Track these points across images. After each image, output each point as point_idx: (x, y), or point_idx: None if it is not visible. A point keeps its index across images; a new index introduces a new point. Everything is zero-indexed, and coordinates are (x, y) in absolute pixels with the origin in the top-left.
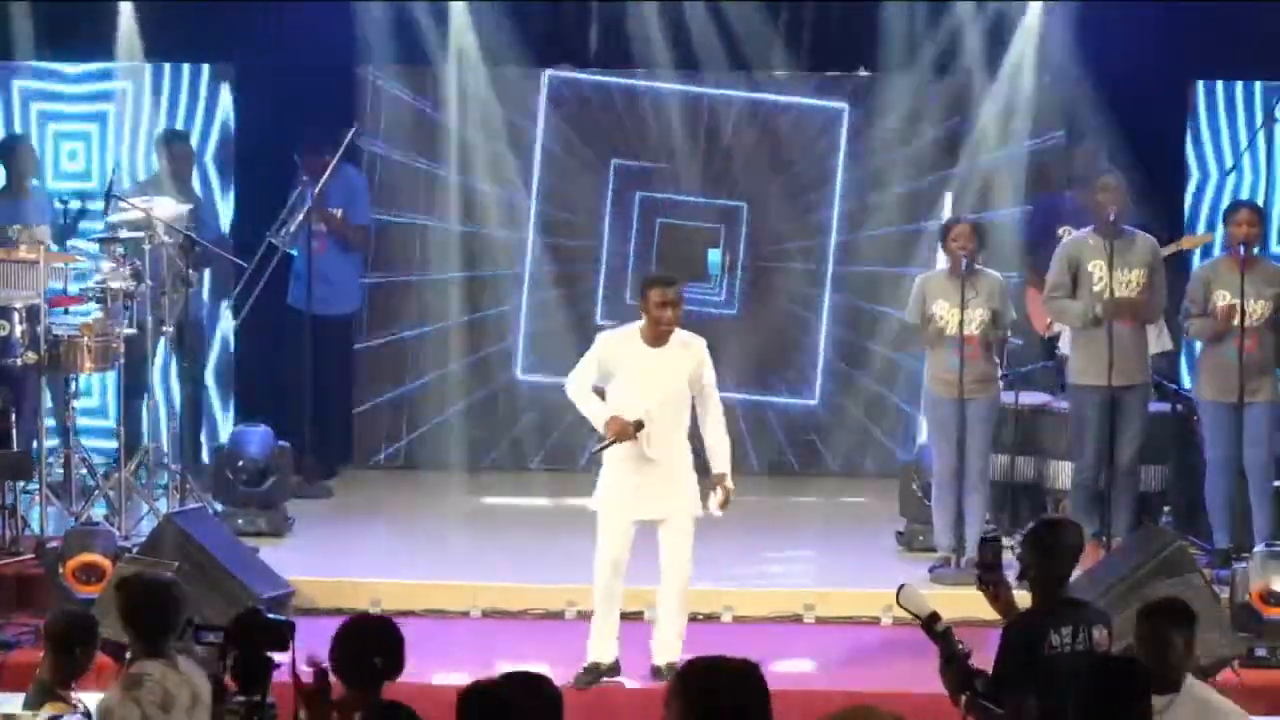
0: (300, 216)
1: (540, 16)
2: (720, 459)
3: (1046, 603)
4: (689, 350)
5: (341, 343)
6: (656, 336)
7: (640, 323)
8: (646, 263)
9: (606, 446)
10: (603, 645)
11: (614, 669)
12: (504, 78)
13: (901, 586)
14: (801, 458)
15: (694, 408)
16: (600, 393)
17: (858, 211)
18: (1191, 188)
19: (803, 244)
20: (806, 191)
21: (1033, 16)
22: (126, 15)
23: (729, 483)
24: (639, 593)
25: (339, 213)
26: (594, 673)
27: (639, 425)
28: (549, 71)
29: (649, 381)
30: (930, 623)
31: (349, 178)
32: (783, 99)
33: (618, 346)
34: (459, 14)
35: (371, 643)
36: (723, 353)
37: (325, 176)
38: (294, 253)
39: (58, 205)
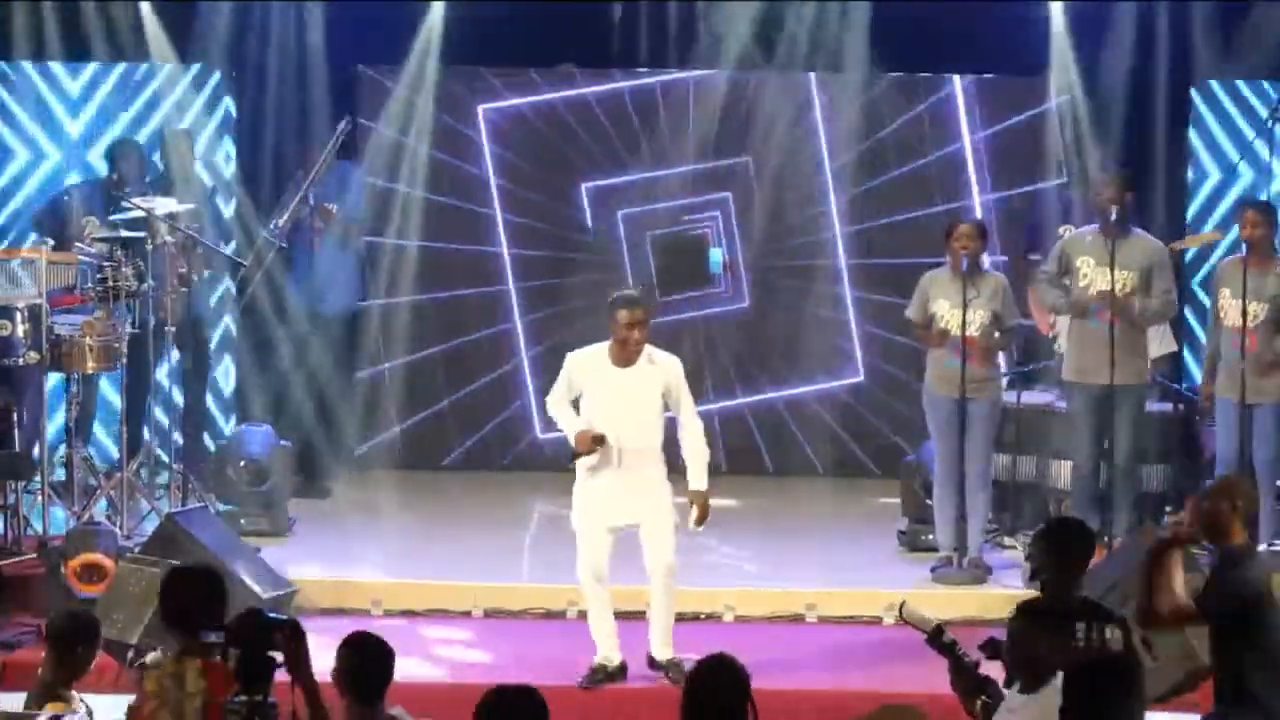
0: (289, 211)
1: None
2: (696, 474)
3: (1059, 602)
4: (659, 368)
5: (342, 341)
6: (624, 357)
7: (609, 342)
8: (646, 279)
9: (576, 457)
10: (606, 647)
11: (620, 671)
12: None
13: (903, 604)
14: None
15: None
16: (577, 404)
17: (856, 198)
18: (1203, 190)
19: (805, 227)
20: (795, 175)
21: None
22: (148, 16)
23: (705, 500)
24: (639, 592)
25: (334, 208)
26: (600, 674)
27: (600, 440)
28: (481, 107)
29: (616, 401)
30: (935, 636)
31: (345, 172)
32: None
33: (585, 365)
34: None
35: (371, 658)
36: (745, 348)
37: (316, 170)
38: (283, 245)
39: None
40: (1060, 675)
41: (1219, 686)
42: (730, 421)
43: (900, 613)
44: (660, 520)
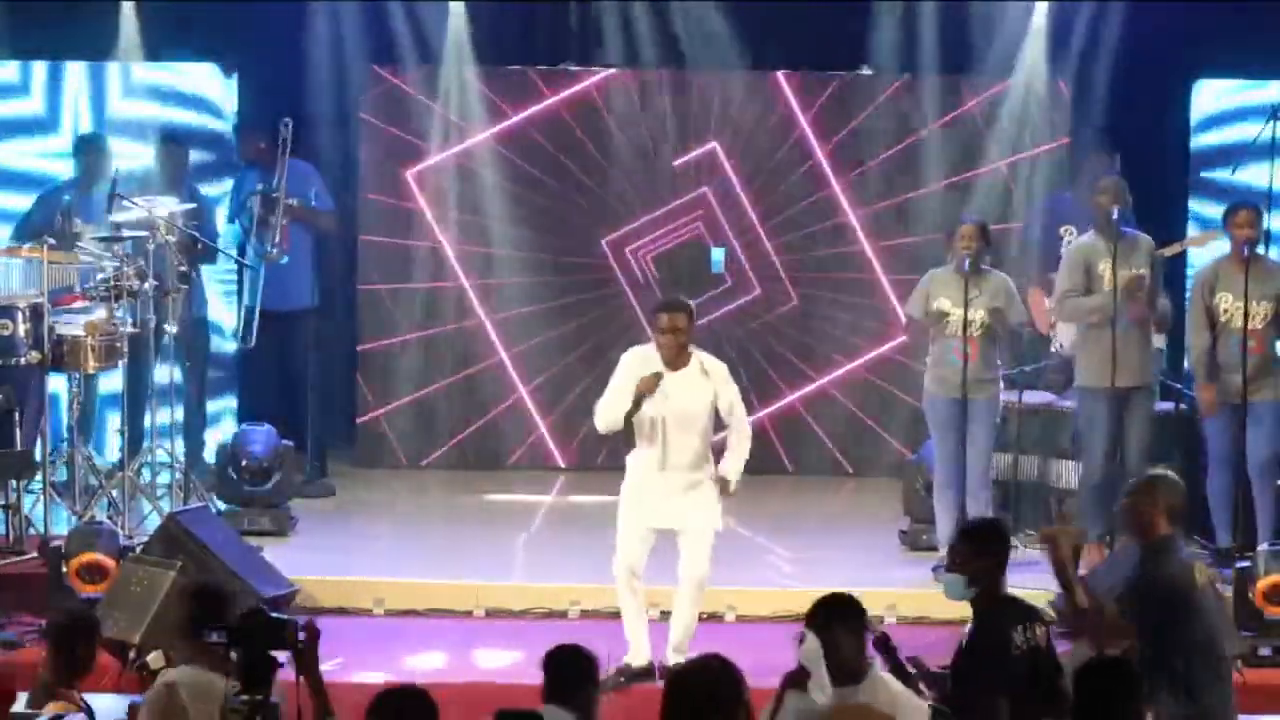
0: (279, 226)
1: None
2: (730, 467)
3: (993, 603)
4: (707, 377)
5: (305, 338)
6: (667, 359)
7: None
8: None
9: (638, 404)
10: (634, 647)
11: (646, 672)
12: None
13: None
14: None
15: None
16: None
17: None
18: (1199, 188)
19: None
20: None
21: (1040, 16)
22: (129, 15)
23: (730, 488)
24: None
25: (295, 202)
26: (625, 674)
27: (658, 375)
28: (409, 174)
29: (664, 400)
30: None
31: (299, 168)
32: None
33: (641, 362)
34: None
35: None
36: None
37: (281, 178)
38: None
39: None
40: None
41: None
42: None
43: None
44: (701, 530)
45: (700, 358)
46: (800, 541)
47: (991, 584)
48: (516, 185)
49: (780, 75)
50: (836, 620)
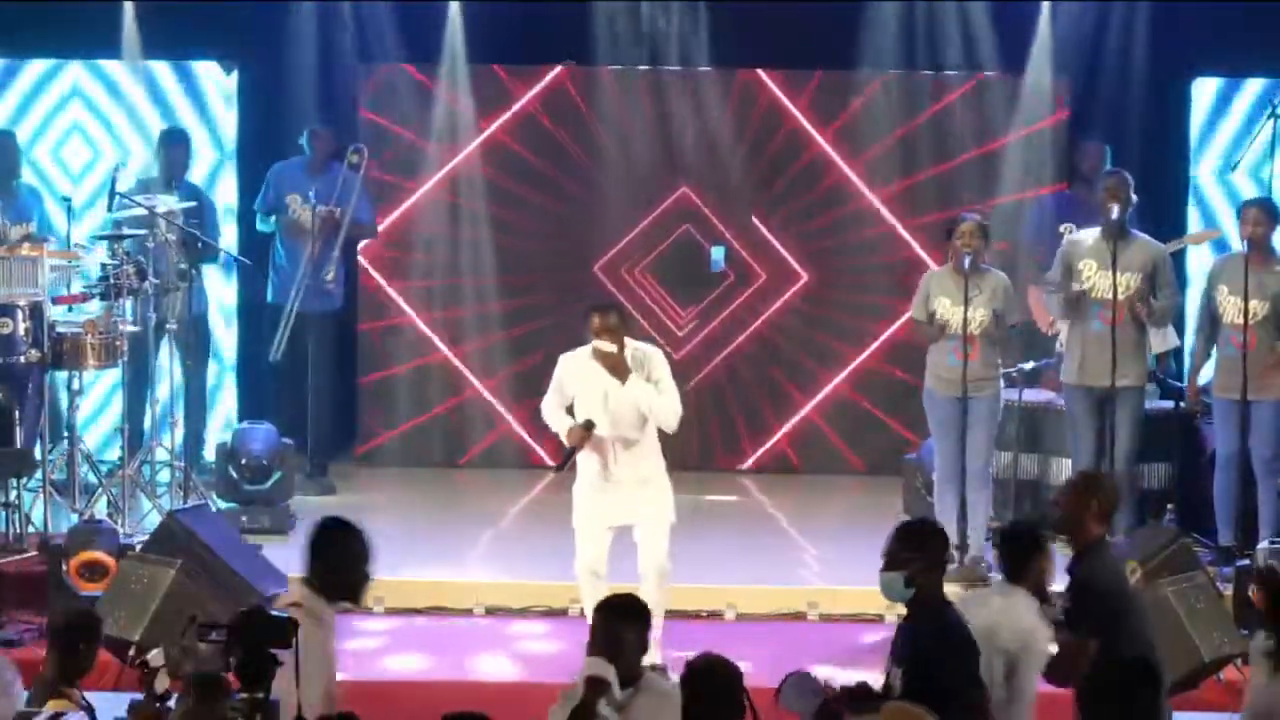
0: (334, 262)
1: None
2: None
3: (940, 602)
4: (640, 361)
5: (337, 338)
6: (607, 365)
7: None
8: (661, 304)
9: (570, 455)
10: None
11: None
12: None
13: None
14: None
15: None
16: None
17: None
18: (1199, 187)
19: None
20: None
21: (1044, 16)
22: (129, 14)
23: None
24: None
25: (335, 210)
26: None
27: (589, 425)
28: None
29: (605, 398)
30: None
31: (347, 177)
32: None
33: (574, 366)
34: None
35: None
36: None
37: (352, 198)
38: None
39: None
40: None
41: (1084, 681)
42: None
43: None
44: (656, 521)
45: (632, 349)
46: (799, 540)
47: (931, 584)
48: (496, 231)
49: (760, 73)
50: (621, 620)
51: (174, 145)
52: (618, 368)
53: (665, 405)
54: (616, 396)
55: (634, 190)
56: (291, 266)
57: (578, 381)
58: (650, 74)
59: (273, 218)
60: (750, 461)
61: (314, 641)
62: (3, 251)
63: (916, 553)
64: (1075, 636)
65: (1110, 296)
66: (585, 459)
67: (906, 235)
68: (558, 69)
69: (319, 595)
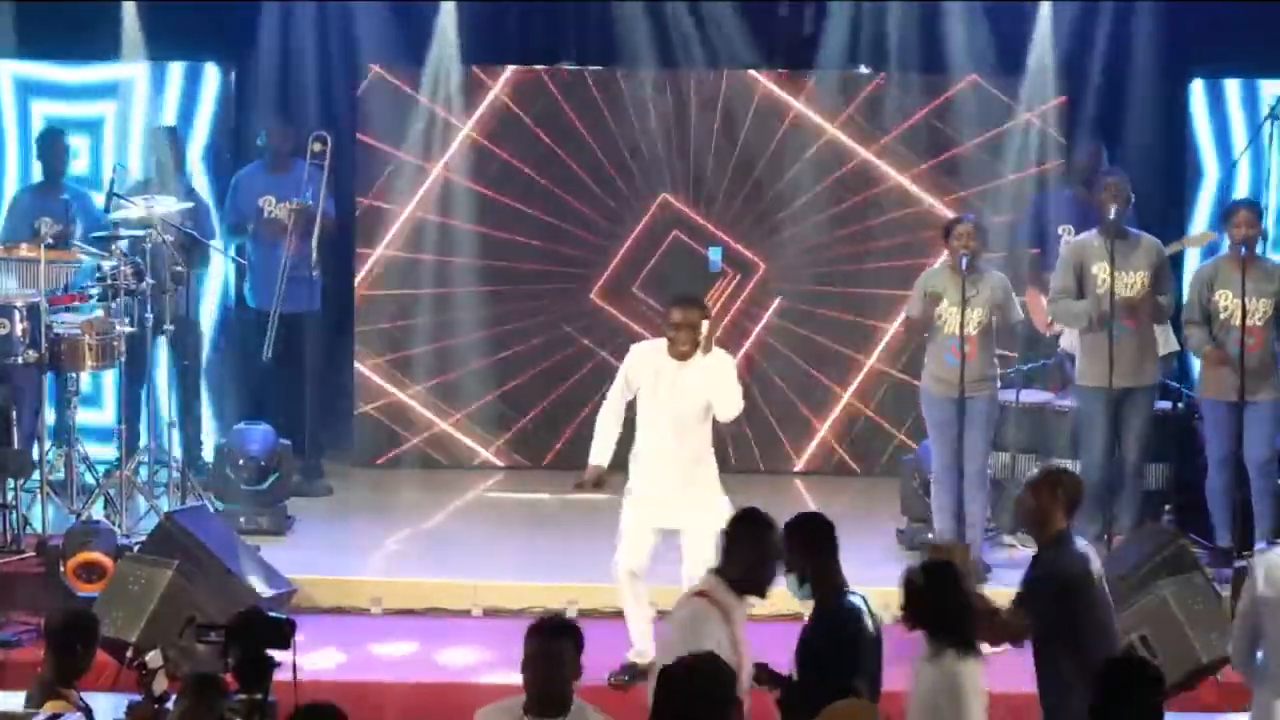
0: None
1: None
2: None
3: (838, 596)
4: (709, 364)
5: (313, 340)
6: (676, 353)
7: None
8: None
9: (579, 486)
10: (637, 645)
11: (650, 670)
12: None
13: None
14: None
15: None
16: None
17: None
18: (1199, 187)
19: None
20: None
21: (1043, 16)
22: (130, 14)
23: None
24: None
25: (300, 204)
26: (629, 672)
27: (600, 483)
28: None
29: (669, 395)
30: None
31: (312, 173)
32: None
33: (645, 356)
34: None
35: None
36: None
37: (320, 187)
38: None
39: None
40: None
41: (1043, 676)
42: None
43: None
44: (705, 532)
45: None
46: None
47: (827, 576)
48: (480, 284)
49: (754, 73)
50: (553, 639)
51: (53, 144)
52: (702, 341)
53: (731, 388)
54: (681, 385)
55: (616, 208)
56: (269, 267)
57: (644, 368)
58: (601, 75)
59: (250, 226)
60: (803, 462)
61: (720, 634)
62: (1, 252)
63: (805, 550)
64: (1038, 630)
65: (1122, 296)
66: (642, 450)
67: (902, 234)
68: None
69: (729, 588)
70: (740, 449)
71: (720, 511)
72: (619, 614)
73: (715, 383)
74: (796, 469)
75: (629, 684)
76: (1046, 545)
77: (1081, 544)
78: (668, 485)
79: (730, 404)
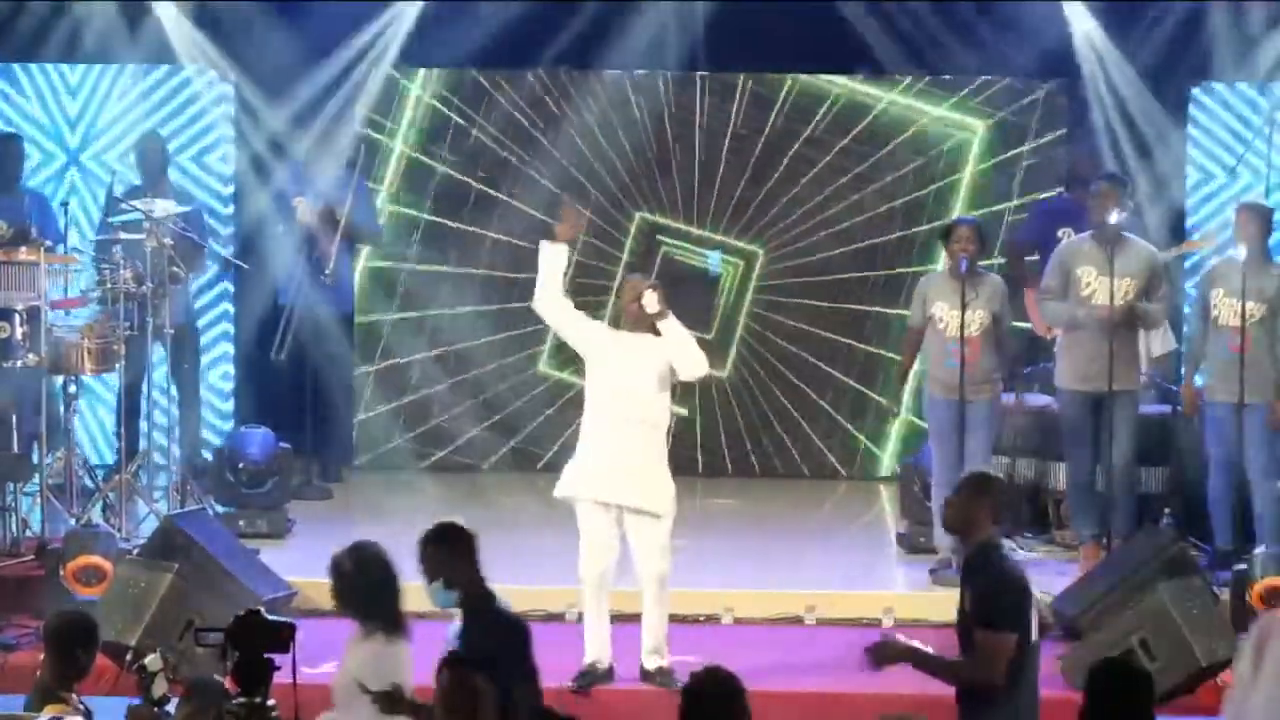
0: (333, 257)
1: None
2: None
3: (484, 597)
4: (662, 333)
5: (341, 342)
6: (630, 324)
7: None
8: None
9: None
10: (596, 648)
11: (609, 674)
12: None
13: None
14: None
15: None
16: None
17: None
18: (1201, 193)
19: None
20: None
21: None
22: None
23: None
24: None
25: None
26: (589, 675)
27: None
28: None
29: (620, 363)
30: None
31: (357, 183)
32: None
33: (603, 331)
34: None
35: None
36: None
37: (347, 215)
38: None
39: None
40: None
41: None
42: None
43: None
44: (653, 525)
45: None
46: (797, 544)
47: (471, 581)
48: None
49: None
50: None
51: (151, 147)
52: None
53: (688, 344)
54: (632, 361)
55: (594, 236)
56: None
57: (600, 331)
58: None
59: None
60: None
61: None
62: (1, 255)
63: (445, 556)
64: (994, 631)
65: (1104, 302)
66: (589, 421)
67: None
68: None
69: None
70: (736, 453)
71: (666, 500)
72: (620, 617)
73: (671, 346)
74: (797, 472)
75: (587, 689)
76: (976, 553)
77: (1008, 547)
78: (611, 457)
79: (691, 361)
